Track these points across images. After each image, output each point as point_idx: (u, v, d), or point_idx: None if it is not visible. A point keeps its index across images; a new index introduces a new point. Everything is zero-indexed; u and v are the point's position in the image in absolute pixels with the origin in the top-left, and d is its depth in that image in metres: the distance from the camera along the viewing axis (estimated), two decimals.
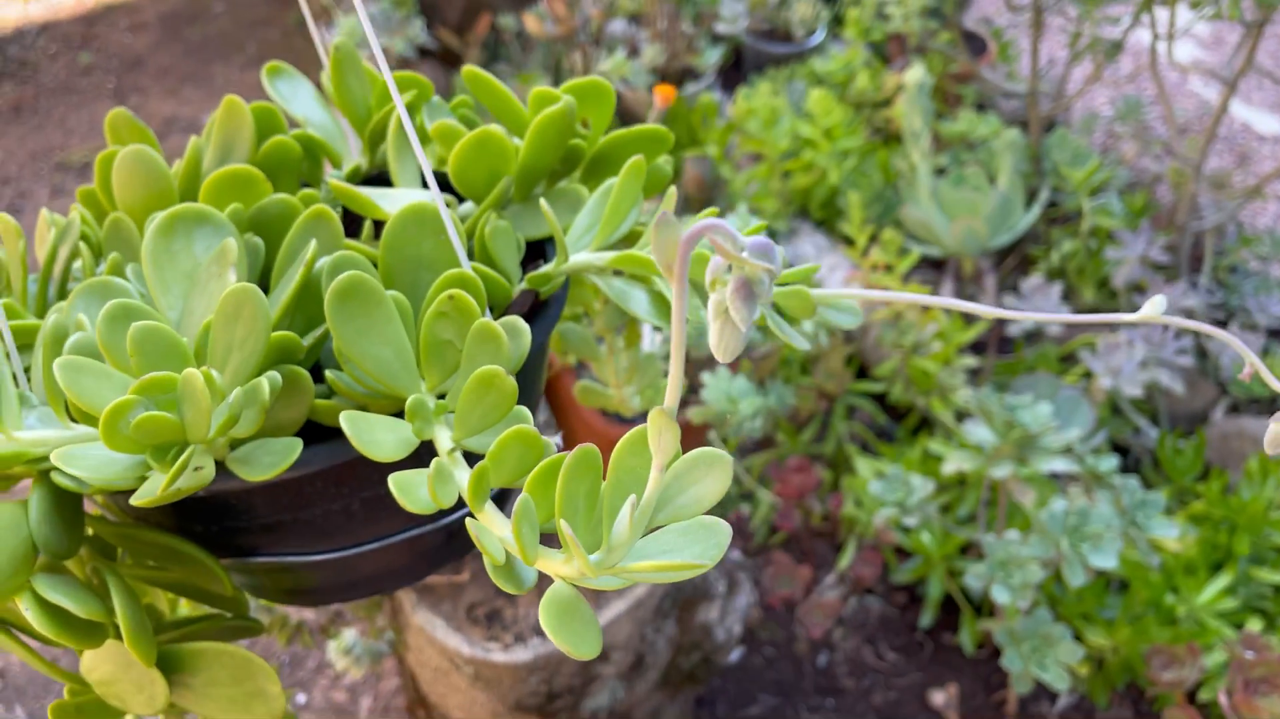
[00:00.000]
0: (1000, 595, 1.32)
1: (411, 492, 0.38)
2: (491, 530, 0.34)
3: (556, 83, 2.45)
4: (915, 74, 2.00)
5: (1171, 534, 1.38)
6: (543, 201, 0.49)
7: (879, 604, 1.82)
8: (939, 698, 1.72)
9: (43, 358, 0.47)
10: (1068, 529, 1.35)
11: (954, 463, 1.48)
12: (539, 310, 0.53)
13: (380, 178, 0.66)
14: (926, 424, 2.04)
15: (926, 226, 2.13)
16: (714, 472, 0.33)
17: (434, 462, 0.38)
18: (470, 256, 0.53)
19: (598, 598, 1.23)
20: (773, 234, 2.37)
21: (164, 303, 0.48)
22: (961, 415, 1.87)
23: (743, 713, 1.71)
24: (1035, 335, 2.15)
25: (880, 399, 2.07)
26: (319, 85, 0.67)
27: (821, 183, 2.47)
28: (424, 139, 0.59)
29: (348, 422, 0.39)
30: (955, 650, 1.74)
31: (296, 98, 0.65)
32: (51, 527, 0.43)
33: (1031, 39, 2.13)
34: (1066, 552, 1.34)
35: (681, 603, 1.40)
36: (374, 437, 0.40)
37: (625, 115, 2.67)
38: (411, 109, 0.62)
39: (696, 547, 0.32)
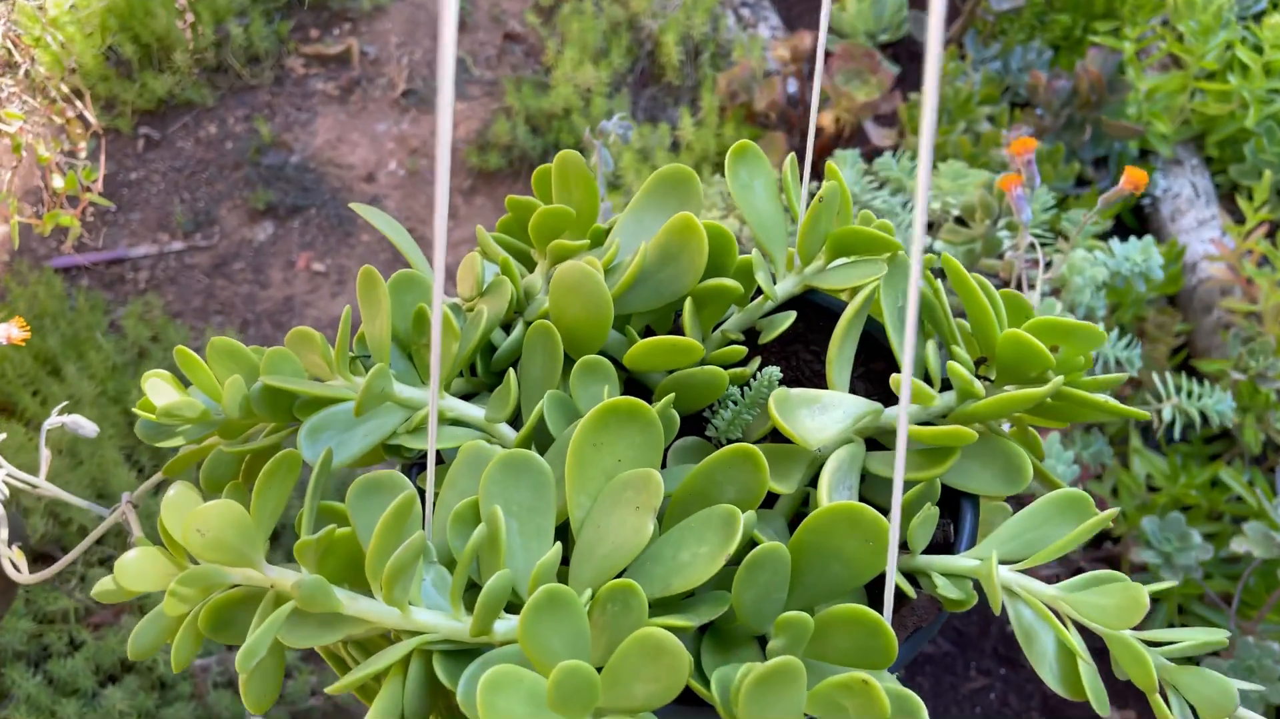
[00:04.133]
0: None
1: None
2: None
3: None
4: None
5: None
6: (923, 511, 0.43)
7: None
8: (1114, 716, 1.69)
9: (449, 526, 0.47)
10: None
11: (1243, 544, 1.35)
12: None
13: (805, 303, 0.61)
14: (1228, 439, 1.86)
15: None
16: None
17: None
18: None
19: None
20: (1145, 154, 2.10)
21: (575, 501, 0.47)
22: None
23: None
24: None
25: None
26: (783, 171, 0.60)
27: (1233, 119, 2.13)
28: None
29: None
30: None
31: (752, 187, 0.59)
32: (419, 698, 0.46)
33: None
34: None
35: None
36: None
37: None
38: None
39: None
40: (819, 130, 1.93)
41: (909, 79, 2.22)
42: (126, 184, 2.06)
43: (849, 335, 0.53)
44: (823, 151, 1.97)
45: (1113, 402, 0.51)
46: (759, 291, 0.58)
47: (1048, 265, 0.79)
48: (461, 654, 0.45)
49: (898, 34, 2.26)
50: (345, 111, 2.15)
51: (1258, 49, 2.03)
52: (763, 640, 0.48)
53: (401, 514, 0.43)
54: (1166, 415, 1.06)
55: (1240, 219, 1.96)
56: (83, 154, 1.58)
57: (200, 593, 0.47)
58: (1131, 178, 0.79)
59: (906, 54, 2.30)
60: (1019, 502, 0.55)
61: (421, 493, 0.49)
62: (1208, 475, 1.74)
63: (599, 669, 0.42)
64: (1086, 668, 0.46)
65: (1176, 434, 1.08)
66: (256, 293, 1.96)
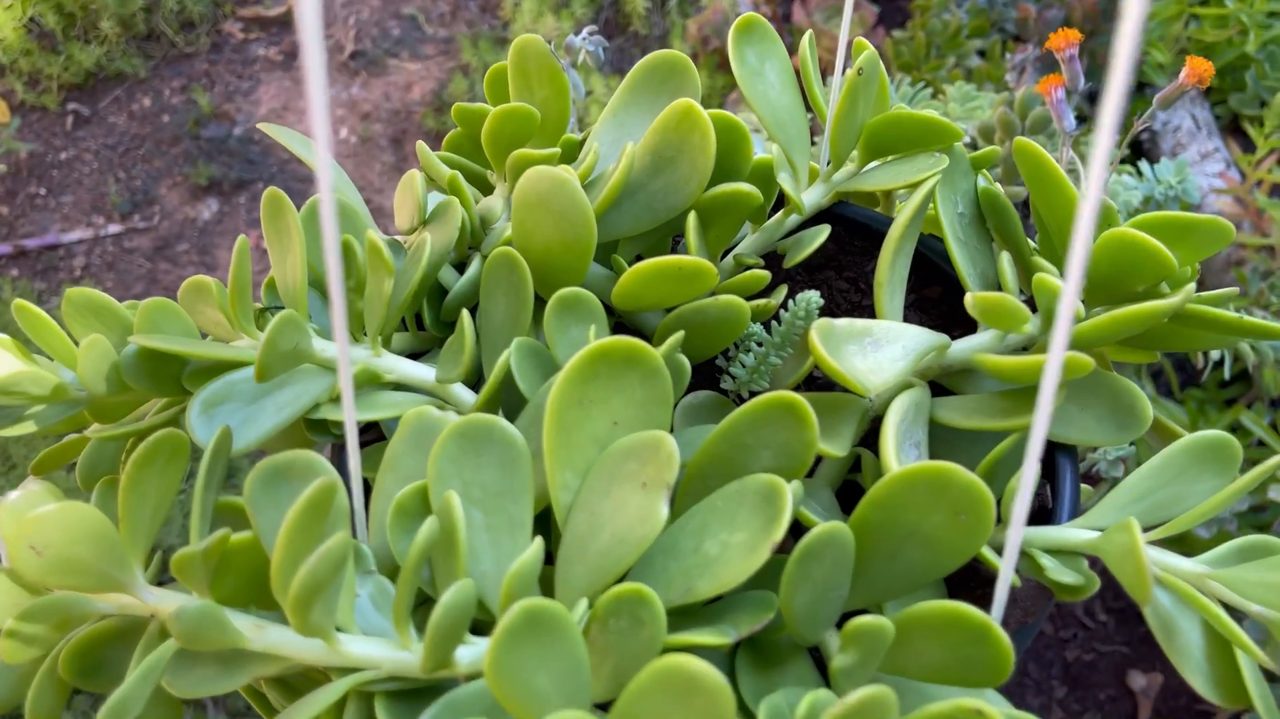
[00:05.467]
0: None
1: None
2: None
3: None
4: None
5: None
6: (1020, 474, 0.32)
7: None
8: (1139, 681, 1.59)
9: (389, 521, 0.34)
10: None
11: (1278, 491, 1.24)
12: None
13: (833, 218, 0.48)
14: (1244, 382, 1.76)
15: None
16: None
17: None
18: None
19: None
20: (1141, 87, 1.99)
21: (559, 479, 0.35)
22: None
23: None
24: None
25: None
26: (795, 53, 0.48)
27: (1231, 45, 2.02)
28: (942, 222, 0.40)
29: None
30: None
31: (763, 73, 0.46)
32: None
33: None
34: None
35: None
36: None
37: None
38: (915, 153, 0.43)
39: None
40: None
41: (889, 17, 2.10)
42: (56, 165, 1.90)
43: (901, 251, 0.41)
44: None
45: (1250, 318, 0.39)
46: (778, 205, 0.46)
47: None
48: (415, 695, 0.33)
49: None
50: (290, 78, 2.00)
51: None
52: (814, 650, 0.37)
53: (317, 509, 0.31)
54: (1215, 354, 0.95)
55: (1246, 148, 1.86)
56: None
57: (56, 630, 0.35)
58: (1194, 68, 0.67)
59: None
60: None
61: (351, 478, 0.36)
62: (1227, 421, 1.64)
63: (604, 707, 0.30)
64: (1251, 668, 0.34)
65: (1227, 374, 0.97)
66: (203, 275, 1.81)
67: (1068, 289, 0.23)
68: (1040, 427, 0.25)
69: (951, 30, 1.74)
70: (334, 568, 0.30)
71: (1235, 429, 1.62)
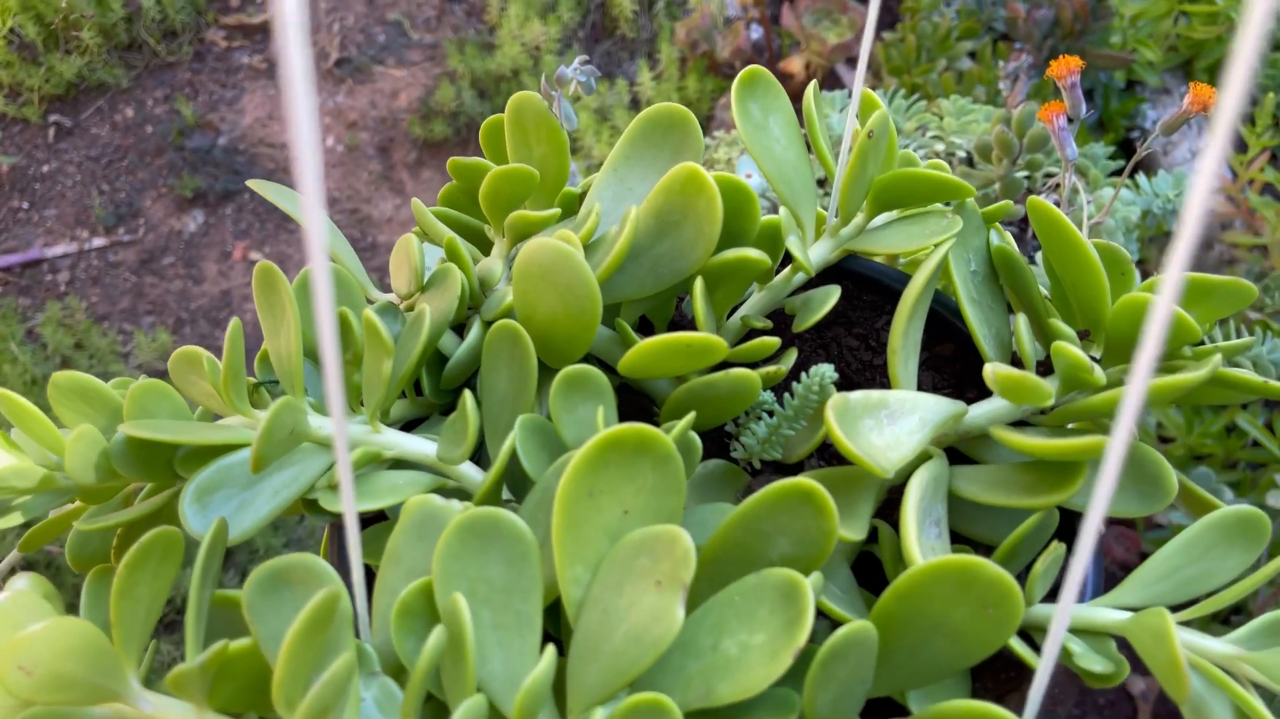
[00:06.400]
0: None
1: None
2: None
3: None
4: None
5: None
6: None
7: (1110, 566, 1.66)
8: (1138, 685, 1.59)
9: (394, 622, 0.33)
10: None
11: (1277, 498, 1.24)
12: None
13: (841, 272, 0.47)
14: None
15: None
16: None
17: None
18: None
19: None
20: (1131, 85, 1.99)
21: (569, 573, 0.34)
22: None
23: None
24: None
25: None
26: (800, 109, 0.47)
27: (1221, 42, 2.02)
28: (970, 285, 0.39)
29: None
30: None
31: (768, 127, 0.45)
32: None
33: None
34: None
35: None
36: None
37: None
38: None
39: None
40: (789, 77, 1.79)
41: (878, 19, 2.08)
42: (38, 178, 1.88)
43: (915, 317, 0.40)
44: (794, 98, 1.83)
45: (1274, 383, 0.38)
46: (784, 261, 0.45)
47: (1073, 202, 0.67)
48: None
49: None
50: (274, 86, 1.97)
51: None
52: None
53: (319, 623, 0.30)
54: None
55: (1238, 146, 1.85)
56: None
57: None
58: (1199, 96, 0.66)
59: None
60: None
61: (352, 571, 0.35)
62: (1223, 422, 1.64)
63: None
64: None
65: None
66: (190, 288, 1.79)
67: (1129, 403, 0.22)
68: (1092, 524, 0.24)
69: (942, 33, 1.72)
70: (339, 692, 0.29)
71: (1231, 430, 1.61)
